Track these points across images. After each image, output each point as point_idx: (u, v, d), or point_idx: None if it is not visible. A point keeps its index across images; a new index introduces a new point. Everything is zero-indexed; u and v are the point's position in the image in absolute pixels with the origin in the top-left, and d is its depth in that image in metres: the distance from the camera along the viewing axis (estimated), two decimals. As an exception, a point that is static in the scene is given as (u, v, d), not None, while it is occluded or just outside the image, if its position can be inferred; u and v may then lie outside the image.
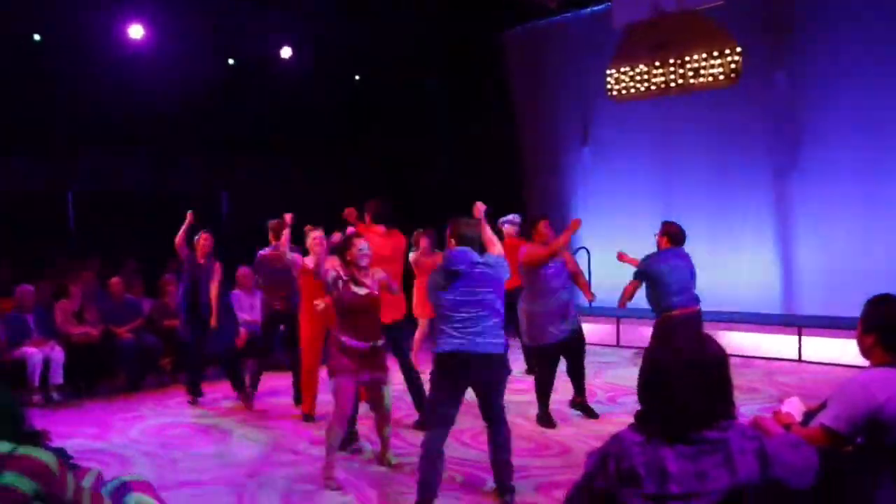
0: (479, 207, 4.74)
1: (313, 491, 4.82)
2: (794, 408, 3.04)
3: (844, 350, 7.85)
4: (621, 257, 6.83)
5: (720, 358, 2.05)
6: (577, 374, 6.46)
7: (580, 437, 5.83)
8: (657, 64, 10.29)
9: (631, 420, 2.10)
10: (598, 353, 9.21)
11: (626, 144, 11.26)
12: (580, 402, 6.49)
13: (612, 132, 11.42)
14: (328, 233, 6.29)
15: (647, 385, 2.07)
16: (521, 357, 7.92)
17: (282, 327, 7.39)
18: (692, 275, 6.40)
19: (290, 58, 11.38)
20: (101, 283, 8.89)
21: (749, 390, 7.26)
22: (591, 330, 9.88)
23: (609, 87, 10.80)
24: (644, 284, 6.41)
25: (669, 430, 1.97)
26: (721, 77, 9.77)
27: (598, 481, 2.03)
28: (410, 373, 6.16)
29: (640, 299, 6.77)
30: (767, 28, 9.79)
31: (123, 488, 2.72)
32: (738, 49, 9.52)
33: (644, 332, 7.82)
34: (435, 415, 4.49)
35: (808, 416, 2.98)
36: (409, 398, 6.36)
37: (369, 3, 11.18)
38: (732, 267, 9.89)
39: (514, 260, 6.47)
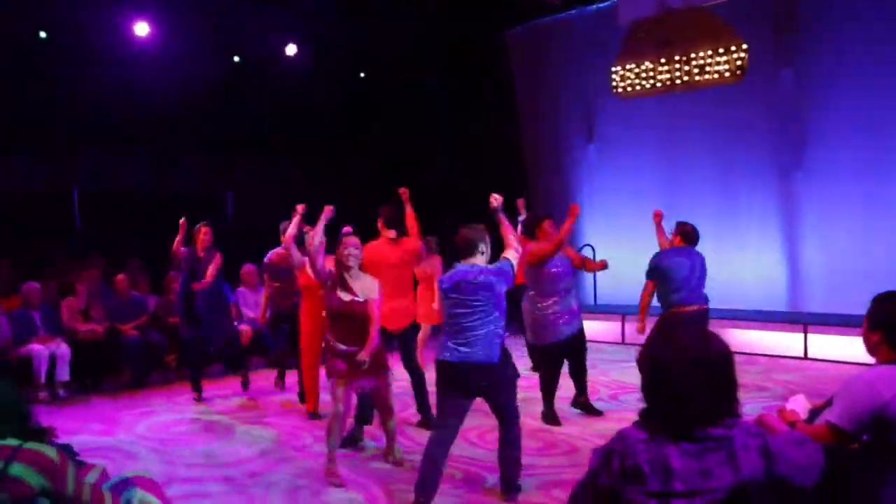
0: (496, 198, 4.64)
1: (317, 488, 4.83)
2: (799, 405, 3.04)
3: (850, 347, 7.84)
4: (657, 217, 6.85)
5: (725, 355, 2.04)
6: (579, 374, 6.46)
7: (585, 436, 5.82)
8: (663, 61, 10.28)
9: (635, 418, 2.09)
10: (602, 351, 9.21)
11: (631, 142, 11.24)
12: (583, 402, 6.50)
13: (617, 129, 11.40)
14: (329, 232, 6.27)
15: (652, 383, 2.07)
16: (526, 355, 7.92)
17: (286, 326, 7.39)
18: (702, 273, 6.40)
19: (292, 57, 11.39)
20: (106, 280, 8.92)
21: (754, 388, 7.24)
22: (596, 328, 9.89)
23: (614, 84, 10.80)
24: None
25: (674, 427, 1.97)
26: (727, 74, 9.76)
27: (603, 479, 2.03)
28: (416, 374, 6.14)
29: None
30: (773, 25, 9.75)
31: (125, 484, 2.73)
32: (744, 46, 9.51)
33: (650, 330, 7.79)
34: (437, 420, 4.53)
35: (814, 413, 2.98)
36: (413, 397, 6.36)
37: (370, 3, 11.18)
38: (738, 264, 9.86)
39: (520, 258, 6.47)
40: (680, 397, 1.97)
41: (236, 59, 11.35)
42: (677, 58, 10.12)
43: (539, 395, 6.32)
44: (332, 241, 5.79)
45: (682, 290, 6.28)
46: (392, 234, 6.08)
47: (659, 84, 10.42)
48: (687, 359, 2.01)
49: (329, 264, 5.12)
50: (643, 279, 6.55)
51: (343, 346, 4.90)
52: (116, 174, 11.14)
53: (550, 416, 6.19)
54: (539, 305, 6.20)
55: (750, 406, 5.60)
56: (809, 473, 2.00)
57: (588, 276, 11.22)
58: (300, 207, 5.88)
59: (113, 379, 8.11)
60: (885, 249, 8.80)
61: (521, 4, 11.63)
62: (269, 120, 11.52)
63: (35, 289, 7.79)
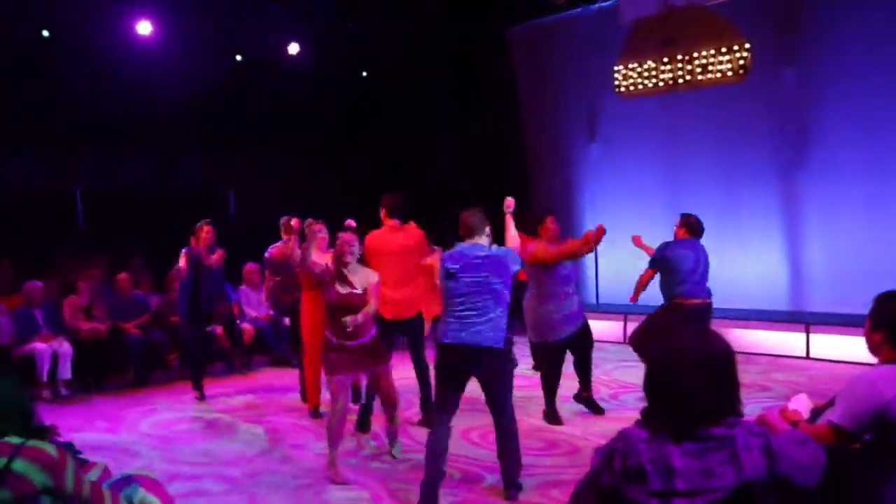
0: (509, 202, 4.92)
1: (319, 486, 4.83)
2: (801, 405, 3.04)
3: (852, 347, 7.82)
4: (637, 241, 6.83)
5: (727, 354, 2.04)
6: (583, 369, 6.44)
7: (586, 435, 5.82)
8: (665, 60, 10.27)
9: (637, 417, 2.09)
10: (604, 350, 9.20)
11: (633, 141, 11.22)
12: (586, 397, 6.48)
13: (619, 129, 11.38)
14: (331, 231, 6.28)
15: (653, 382, 2.06)
16: (528, 354, 7.91)
17: (287, 321, 7.41)
18: (706, 267, 6.40)
19: (294, 56, 11.39)
20: (108, 279, 8.93)
21: (756, 387, 7.24)
22: (598, 327, 9.83)
23: (617, 83, 10.79)
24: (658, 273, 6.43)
25: (675, 426, 1.97)
26: (729, 73, 9.75)
27: (605, 478, 2.03)
28: (422, 370, 6.13)
29: (650, 297, 6.78)
30: (776, 25, 9.73)
31: (126, 481, 2.73)
32: (747, 45, 9.50)
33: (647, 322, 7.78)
34: (437, 411, 4.55)
35: (816, 413, 2.98)
36: (418, 394, 6.36)
37: (372, 2, 11.17)
38: (740, 264, 9.85)
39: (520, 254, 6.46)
40: (682, 396, 1.97)
41: (238, 58, 11.36)
42: (680, 57, 10.10)
43: (541, 394, 6.31)
44: (332, 234, 5.82)
45: (686, 283, 6.28)
46: (394, 223, 6.08)
47: (661, 83, 10.41)
48: (689, 358, 2.01)
49: (328, 259, 5.14)
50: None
51: (340, 339, 4.90)
52: (118, 173, 11.14)
53: (552, 416, 6.19)
54: (542, 304, 6.18)
55: (752, 406, 5.59)
56: (811, 473, 2.00)
57: (590, 276, 11.22)
58: (294, 223, 5.85)
59: (115, 377, 8.12)
60: (887, 249, 8.78)
61: (523, 3, 11.62)
62: (270, 119, 11.52)
63: (37, 287, 7.80)
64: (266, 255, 7.37)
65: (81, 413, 6.91)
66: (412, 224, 6.20)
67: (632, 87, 10.68)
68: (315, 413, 6.52)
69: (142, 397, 7.51)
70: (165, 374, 8.33)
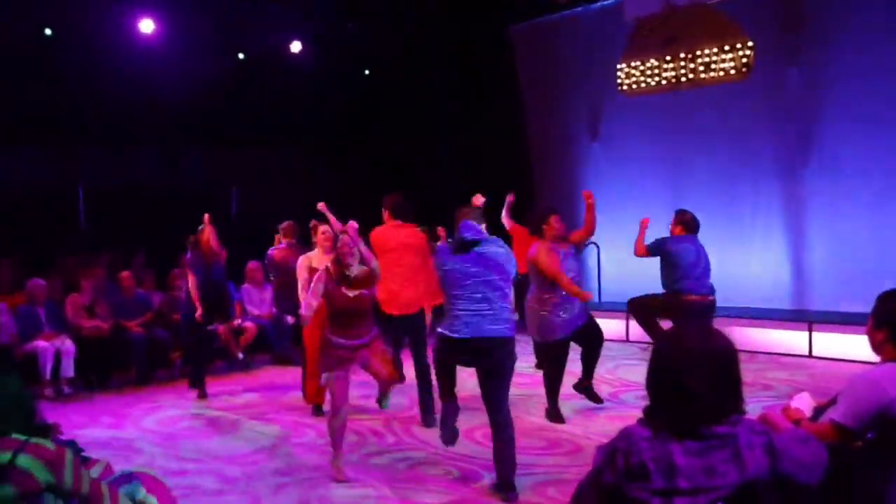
0: (478, 198, 5.05)
1: (322, 484, 4.84)
2: (804, 403, 3.03)
3: (855, 346, 7.80)
4: (644, 224, 6.81)
5: (729, 352, 2.04)
6: (589, 361, 6.39)
7: (588, 434, 5.81)
8: (668, 58, 10.24)
9: (639, 415, 2.09)
10: (606, 348, 9.12)
11: (636, 139, 11.21)
12: (586, 386, 6.43)
13: (622, 127, 11.37)
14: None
15: (656, 380, 2.06)
16: (530, 352, 7.90)
17: (289, 319, 7.42)
18: (707, 263, 6.39)
19: (297, 54, 11.40)
20: (111, 277, 8.94)
21: (759, 386, 7.22)
22: (600, 325, 9.84)
23: (619, 81, 10.77)
24: (659, 266, 6.41)
25: (678, 425, 1.97)
26: (732, 72, 9.72)
27: (607, 476, 2.02)
28: (423, 370, 6.12)
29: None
30: (779, 23, 9.71)
31: (127, 478, 2.74)
32: (750, 43, 9.46)
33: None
34: (442, 392, 4.71)
35: (819, 411, 2.97)
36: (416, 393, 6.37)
37: (373, 0, 11.16)
38: (742, 262, 9.84)
39: (523, 251, 6.45)
40: (684, 395, 1.97)
41: (241, 56, 11.36)
42: (682, 55, 10.07)
43: (542, 392, 6.30)
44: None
45: (688, 279, 6.28)
46: (397, 223, 6.09)
47: (664, 81, 10.38)
48: (691, 356, 2.00)
49: (327, 261, 5.16)
50: (647, 276, 6.54)
51: (343, 340, 4.90)
52: (120, 171, 11.16)
53: (554, 414, 6.17)
54: (544, 306, 6.13)
55: (754, 404, 5.58)
56: (814, 471, 1.99)
57: (592, 274, 11.21)
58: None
59: (118, 376, 8.13)
60: (890, 247, 8.77)
61: (525, 1, 11.61)
62: (273, 117, 11.53)
63: (40, 285, 7.81)
64: (267, 258, 7.40)
65: (84, 411, 6.92)
66: (415, 227, 6.22)
67: (634, 86, 10.65)
68: (317, 411, 6.52)
69: (144, 395, 7.51)
70: (168, 373, 8.34)
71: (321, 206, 5.99)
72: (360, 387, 6.62)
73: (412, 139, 12.57)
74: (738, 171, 10.18)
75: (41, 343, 7.41)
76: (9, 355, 7.23)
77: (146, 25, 9.98)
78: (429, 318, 7.89)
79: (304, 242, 7.36)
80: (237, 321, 8.41)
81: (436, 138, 12.98)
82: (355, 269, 4.94)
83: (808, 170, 9.66)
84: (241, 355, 8.14)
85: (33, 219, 10.02)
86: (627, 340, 10.01)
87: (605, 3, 11.22)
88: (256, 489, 4.80)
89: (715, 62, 9.83)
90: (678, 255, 6.29)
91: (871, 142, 9.06)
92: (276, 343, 8.91)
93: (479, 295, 4.38)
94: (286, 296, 7.32)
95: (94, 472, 2.66)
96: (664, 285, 6.44)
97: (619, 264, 10.23)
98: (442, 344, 4.52)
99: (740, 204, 10.14)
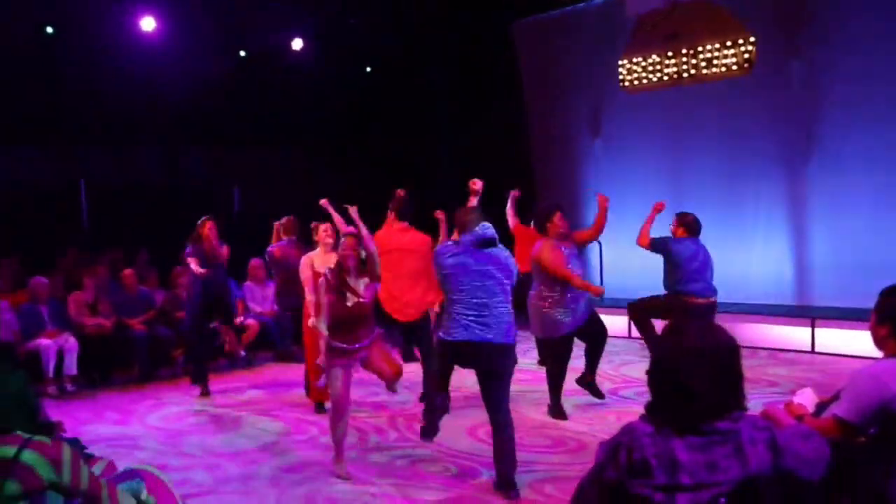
0: (476, 182, 5.03)
1: (324, 481, 4.84)
2: (806, 399, 3.03)
3: (858, 341, 7.79)
4: (659, 207, 6.78)
5: (731, 348, 2.04)
6: (592, 356, 6.37)
7: (591, 431, 5.81)
8: (670, 54, 10.24)
9: (641, 411, 2.09)
10: (609, 344, 9.15)
11: (638, 135, 11.19)
12: (590, 381, 6.42)
13: (624, 123, 11.35)
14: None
15: (658, 376, 2.06)
16: (533, 348, 7.90)
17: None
18: (710, 264, 6.38)
19: (298, 52, 11.39)
20: (113, 275, 8.95)
21: (761, 382, 7.22)
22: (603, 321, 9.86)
23: (621, 77, 10.77)
24: (662, 267, 6.40)
25: (680, 421, 1.97)
26: (734, 67, 9.72)
27: (609, 472, 2.02)
28: (428, 361, 6.11)
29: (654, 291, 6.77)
30: (781, 18, 9.69)
31: (128, 474, 2.74)
32: (752, 39, 9.46)
33: (657, 325, 7.78)
34: (438, 387, 4.77)
35: (821, 407, 2.97)
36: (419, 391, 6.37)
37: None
38: (745, 258, 9.83)
39: (525, 250, 6.45)
40: (686, 391, 1.97)
41: (242, 53, 11.36)
42: (685, 51, 10.07)
43: (544, 388, 6.30)
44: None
45: (691, 282, 6.26)
46: (403, 225, 6.08)
47: (666, 77, 10.38)
48: (693, 352, 2.00)
49: (330, 262, 5.15)
50: (649, 273, 6.53)
51: (344, 345, 4.89)
52: (123, 170, 11.18)
53: (556, 411, 6.16)
54: (546, 303, 6.12)
55: (756, 400, 5.58)
56: (816, 467, 1.99)
57: (595, 270, 11.19)
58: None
59: (120, 373, 8.14)
60: (893, 242, 8.75)
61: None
62: (275, 115, 11.53)
63: (43, 283, 7.82)
64: (267, 254, 7.39)
65: (88, 408, 6.94)
66: (419, 232, 6.23)
67: (636, 82, 10.65)
68: (319, 408, 6.53)
69: (147, 393, 7.53)
70: (171, 370, 8.35)
71: (324, 202, 5.95)
72: (362, 385, 6.62)
73: (412, 139, 12.56)
74: (739, 167, 10.16)
75: (44, 341, 7.43)
76: (12, 353, 7.24)
77: (147, 24, 9.98)
78: (437, 309, 7.90)
79: (305, 242, 7.35)
80: (239, 318, 8.43)
81: (436, 137, 12.98)
82: (355, 274, 4.90)
83: (811, 165, 9.64)
84: (243, 353, 8.16)
85: (36, 217, 10.04)
86: (630, 337, 10.00)
87: (607, -2, 11.21)
88: (259, 485, 4.80)
89: (717, 58, 9.83)
90: (681, 255, 6.28)
91: (874, 136, 9.03)
92: (278, 340, 8.93)
93: (477, 300, 4.37)
94: (288, 292, 7.32)
95: (96, 469, 2.67)
96: (666, 286, 6.43)
97: (622, 261, 10.22)
98: (440, 346, 4.52)
99: (742, 200, 10.12)
